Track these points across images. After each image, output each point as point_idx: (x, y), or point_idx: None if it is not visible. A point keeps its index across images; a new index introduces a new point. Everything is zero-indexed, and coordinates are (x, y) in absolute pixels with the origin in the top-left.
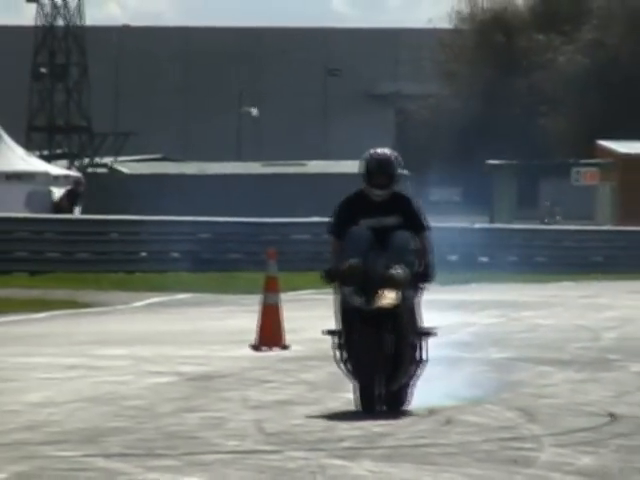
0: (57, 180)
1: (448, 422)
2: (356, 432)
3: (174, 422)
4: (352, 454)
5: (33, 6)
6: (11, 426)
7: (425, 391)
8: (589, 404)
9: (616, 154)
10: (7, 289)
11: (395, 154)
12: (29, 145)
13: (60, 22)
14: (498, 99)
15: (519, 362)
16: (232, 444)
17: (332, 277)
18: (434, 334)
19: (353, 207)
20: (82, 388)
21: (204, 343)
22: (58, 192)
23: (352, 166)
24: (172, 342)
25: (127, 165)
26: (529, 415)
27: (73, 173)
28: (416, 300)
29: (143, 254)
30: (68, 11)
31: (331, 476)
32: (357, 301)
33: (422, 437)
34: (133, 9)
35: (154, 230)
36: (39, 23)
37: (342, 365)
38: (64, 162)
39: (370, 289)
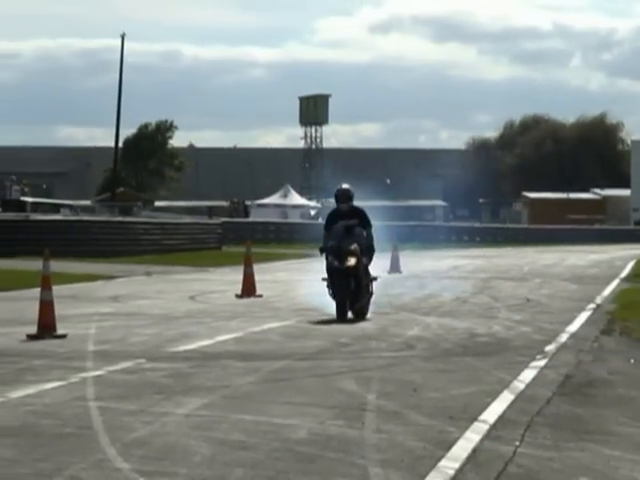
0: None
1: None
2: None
3: None
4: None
5: None
6: None
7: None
8: None
9: None
10: None
11: (349, 187)
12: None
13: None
14: None
15: None
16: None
17: (323, 251)
18: (376, 279)
19: (333, 215)
20: None
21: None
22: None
23: None
24: None
25: None
26: None
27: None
28: (367, 263)
29: None
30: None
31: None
32: (335, 263)
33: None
34: None
35: None
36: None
37: (330, 294)
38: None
39: (342, 257)
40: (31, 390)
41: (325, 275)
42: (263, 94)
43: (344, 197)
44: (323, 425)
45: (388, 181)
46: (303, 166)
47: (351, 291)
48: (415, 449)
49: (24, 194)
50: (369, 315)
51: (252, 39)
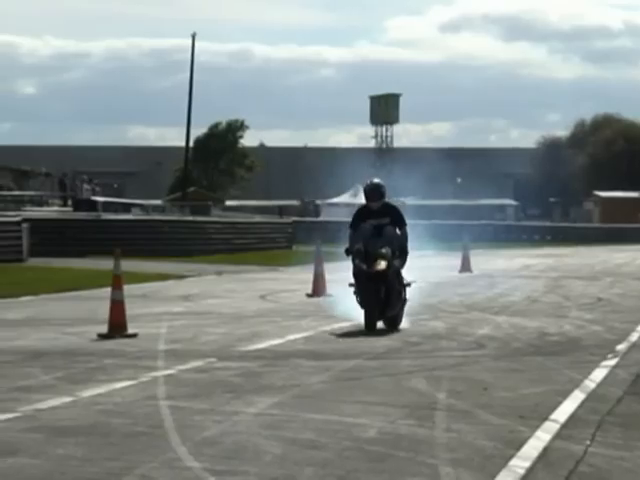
0: None
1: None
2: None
3: None
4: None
5: None
6: None
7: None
8: None
9: None
10: None
11: (381, 181)
12: None
13: None
14: None
15: None
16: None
17: (349, 253)
18: (410, 285)
19: (362, 214)
20: None
21: None
22: None
23: None
24: None
25: None
26: None
27: None
28: (399, 266)
29: None
30: None
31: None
32: (363, 267)
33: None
34: None
35: None
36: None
37: (357, 301)
38: None
39: (370, 260)
40: (102, 389)
41: (352, 280)
42: (333, 93)
43: (375, 194)
44: (393, 424)
45: (459, 180)
46: (374, 165)
47: (381, 298)
48: (485, 448)
49: (95, 194)
50: (403, 325)
51: (322, 39)
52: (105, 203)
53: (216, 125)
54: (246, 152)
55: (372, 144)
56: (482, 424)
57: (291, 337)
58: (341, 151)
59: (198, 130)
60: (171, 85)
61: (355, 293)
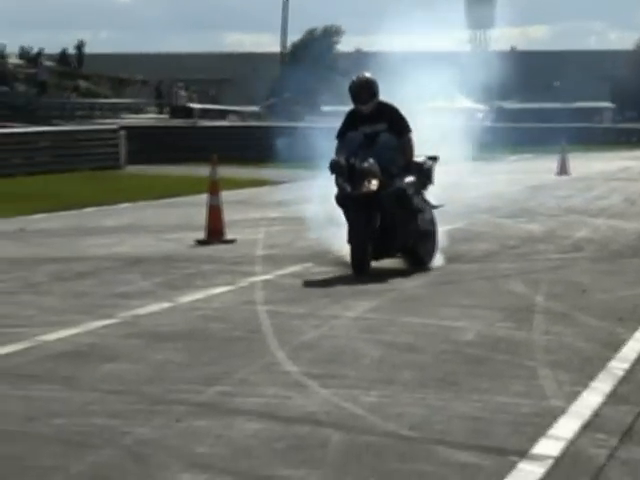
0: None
1: None
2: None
3: None
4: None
5: None
6: None
7: None
8: None
9: None
10: None
11: (372, 76)
12: None
13: None
14: None
15: None
16: None
17: (331, 169)
18: (436, 207)
19: (352, 119)
20: None
21: None
22: None
23: None
24: None
25: None
26: None
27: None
28: (405, 186)
29: None
30: None
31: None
32: (346, 188)
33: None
34: None
35: None
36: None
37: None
38: None
39: (356, 179)
40: (200, 295)
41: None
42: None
43: (363, 92)
44: (491, 327)
45: (556, 83)
46: (470, 70)
47: (373, 230)
48: (584, 350)
49: (191, 100)
50: (436, 262)
51: None
52: (201, 110)
53: (312, 31)
54: (341, 57)
55: (468, 48)
56: (580, 326)
57: None
58: (437, 55)
59: (294, 36)
60: None
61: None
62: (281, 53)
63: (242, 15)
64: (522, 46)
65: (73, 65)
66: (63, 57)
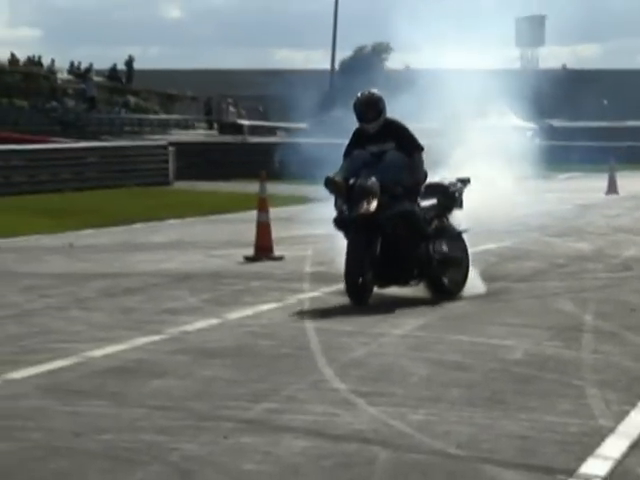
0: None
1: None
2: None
3: None
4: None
5: None
6: None
7: None
8: None
9: None
10: None
11: (378, 93)
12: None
13: None
14: None
15: None
16: None
17: (327, 186)
18: (461, 233)
19: (357, 138)
20: None
21: None
22: None
23: None
24: None
25: None
26: None
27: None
28: (410, 208)
29: None
30: None
31: None
32: (343, 209)
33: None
34: None
35: None
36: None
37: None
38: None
39: (354, 199)
40: (248, 311)
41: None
42: (479, 15)
43: (369, 110)
44: (540, 346)
45: (605, 102)
46: (519, 88)
47: (372, 255)
48: (632, 370)
49: (241, 117)
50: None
51: None
52: (251, 126)
53: (361, 48)
54: (390, 74)
55: (518, 66)
56: (629, 345)
57: None
58: (485, 72)
59: (344, 53)
60: (317, 9)
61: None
62: (331, 70)
63: (291, 32)
64: (572, 64)
65: (122, 81)
66: (113, 73)
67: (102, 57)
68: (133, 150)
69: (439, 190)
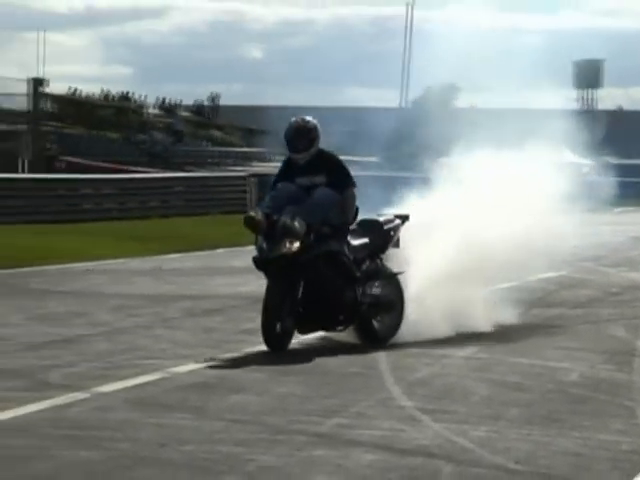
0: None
1: None
2: None
3: None
4: None
5: None
6: None
7: None
8: None
9: None
10: None
11: (312, 121)
12: None
13: None
14: None
15: None
16: None
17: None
18: (393, 275)
19: (288, 168)
20: None
21: None
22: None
23: None
24: None
25: None
26: None
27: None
28: (339, 248)
29: None
30: None
31: None
32: (263, 248)
33: None
34: None
35: None
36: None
37: None
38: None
39: (275, 238)
40: (320, 332)
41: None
42: (538, 58)
43: (299, 139)
44: (594, 369)
45: None
46: (577, 126)
47: (292, 299)
48: None
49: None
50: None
51: (526, 7)
52: None
53: (430, 88)
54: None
55: (576, 106)
56: None
57: (499, 285)
58: (544, 112)
59: (414, 92)
60: (388, 50)
61: None
62: (400, 108)
63: (362, 72)
64: (627, 106)
65: (207, 116)
66: (199, 108)
67: (188, 94)
68: (215, 180)
69: (373, 228)
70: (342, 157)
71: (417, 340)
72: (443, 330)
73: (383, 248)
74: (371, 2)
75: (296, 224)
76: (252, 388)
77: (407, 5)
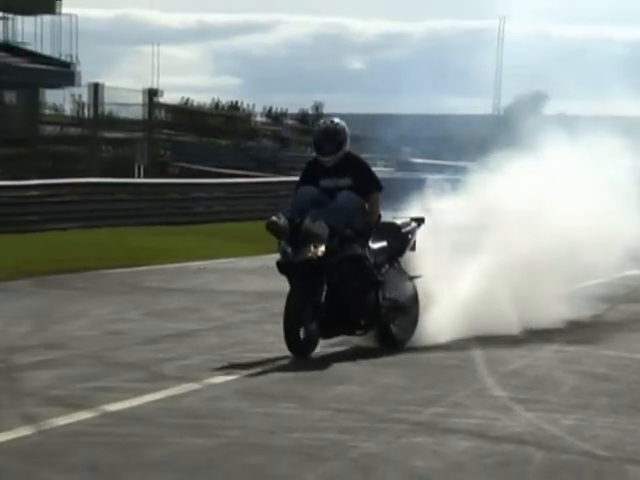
0: None
1: None
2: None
3: None
4: None
5: None
6: None
7: None
8: None
9: None
10: None
11: (341, 123)
12: None
13: None
14: None
15: None
16: None
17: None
18: (410, 279)
19: (312, 170)
20: None
21: None
22: None
23: None
24: None
25: None
26: None
27: None
28: (373, 251)
29: None
30: None
31: None
32: (288, 252)
33: None
34: None
35: None
36: None
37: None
38: None
39: (299, 243)
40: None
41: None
42: (626, 69)
43: (328, 142)
44: None
45: None
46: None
47: (316, 304)
48: None
49: (414, 156)
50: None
51: (611, 19)
52: (422, 164)
53: (521, 96)
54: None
55: None
56: None
57: (588, 282)
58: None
59: (506, 100)
60: (482, 61)
61: None
62: (492, 115)
63: (457, 81)
64: None
65: (311, 123)
66: (303, 116)
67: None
68: None
69: (391, 231)
70: (438, 162)
71: (508, 334)
72: (531, 324)
73: (401, 251)
74: (465, 15)
75: (319, 228)
76: (356, 379)
77: (500, 19)
